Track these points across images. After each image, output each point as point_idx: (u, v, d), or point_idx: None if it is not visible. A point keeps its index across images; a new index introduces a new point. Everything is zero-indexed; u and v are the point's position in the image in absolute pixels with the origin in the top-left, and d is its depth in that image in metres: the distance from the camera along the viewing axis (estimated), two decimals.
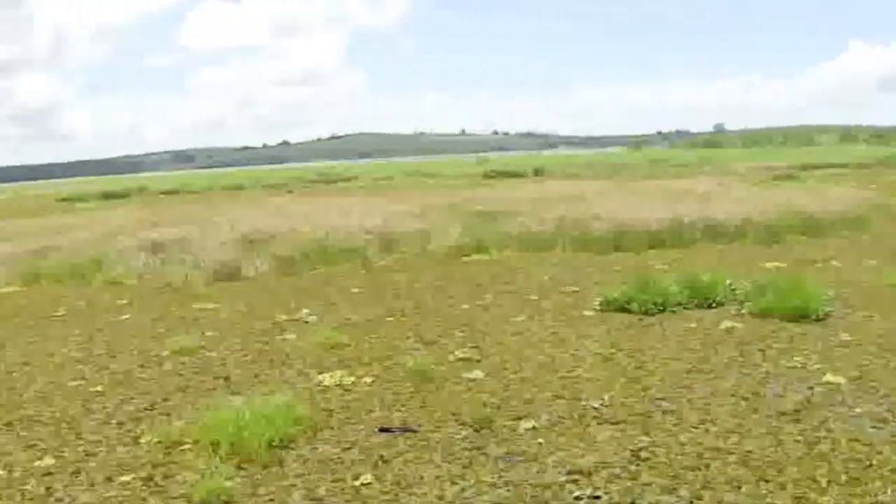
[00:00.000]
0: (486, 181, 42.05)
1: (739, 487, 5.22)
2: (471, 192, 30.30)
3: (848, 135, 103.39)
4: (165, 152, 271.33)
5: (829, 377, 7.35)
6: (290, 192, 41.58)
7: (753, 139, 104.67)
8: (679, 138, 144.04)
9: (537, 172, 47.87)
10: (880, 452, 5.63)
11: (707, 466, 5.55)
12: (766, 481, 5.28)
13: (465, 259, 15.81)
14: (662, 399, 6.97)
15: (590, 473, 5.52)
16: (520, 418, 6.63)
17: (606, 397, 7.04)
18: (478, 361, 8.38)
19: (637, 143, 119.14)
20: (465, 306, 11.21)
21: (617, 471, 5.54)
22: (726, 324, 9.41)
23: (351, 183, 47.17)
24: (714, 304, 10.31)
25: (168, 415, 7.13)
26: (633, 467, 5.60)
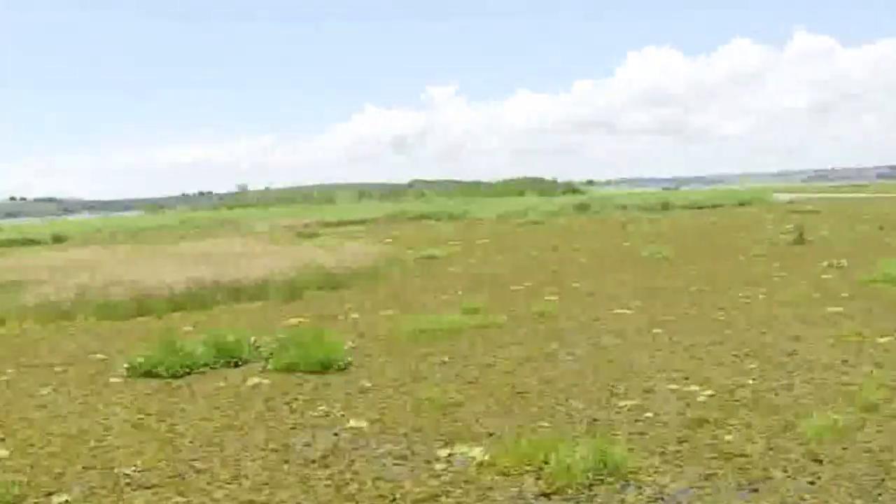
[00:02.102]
0: None
1: None
2: None
3: (364, 192, 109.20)
4: None
5: (352, 422, 7.78)
6: None
7: (277, 198, 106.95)
8: (203, 199, 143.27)
9: (57, 239, 45.41)
10: (402, 486, 6.08)
11: None
12: None
13: None
14: (195, 459, 6.97)
15: None
16: (51, 493, 6.33)
17: (139, 463, 6.90)
18: (2, 440, 7.84)
19: (160, 205, 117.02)
20: None
21: None
22: (253, 380, 9.61)
23: None
24: (240, 363, 10.47)
25: None
26: None
